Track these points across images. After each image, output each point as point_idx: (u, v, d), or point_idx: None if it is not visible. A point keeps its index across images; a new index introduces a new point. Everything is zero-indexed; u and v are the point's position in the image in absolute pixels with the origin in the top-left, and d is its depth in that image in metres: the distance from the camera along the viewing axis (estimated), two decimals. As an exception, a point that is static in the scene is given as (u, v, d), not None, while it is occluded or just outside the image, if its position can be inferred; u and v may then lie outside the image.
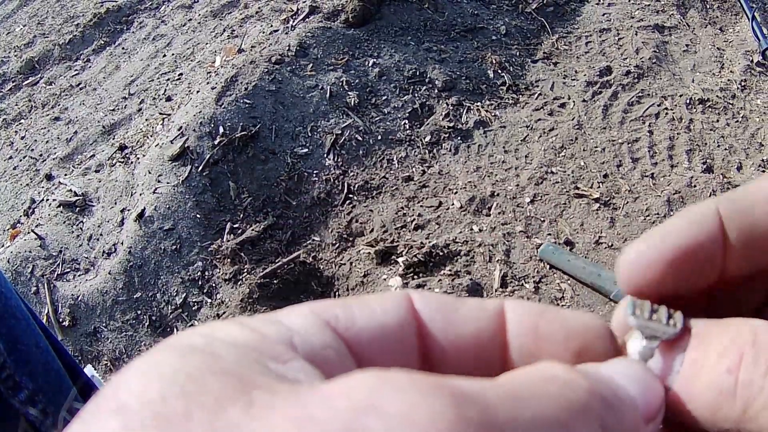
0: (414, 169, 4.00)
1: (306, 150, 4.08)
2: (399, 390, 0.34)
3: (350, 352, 0.46)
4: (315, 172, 4.00)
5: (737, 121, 4.25)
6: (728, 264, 0.53)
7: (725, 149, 4.05)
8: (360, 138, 4.13)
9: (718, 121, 4.24)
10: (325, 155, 4.06)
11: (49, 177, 4.73)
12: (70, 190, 4.39)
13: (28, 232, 4.12)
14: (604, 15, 5.19)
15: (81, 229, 4.13)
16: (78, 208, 4.25)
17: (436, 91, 4.41)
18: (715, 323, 0.51)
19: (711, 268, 0.53)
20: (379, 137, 4.14)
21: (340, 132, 4.14)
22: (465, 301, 0.52)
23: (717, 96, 4.39)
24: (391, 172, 3.99)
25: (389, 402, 0.33)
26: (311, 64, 4.50)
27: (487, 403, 0.36)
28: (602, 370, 0.48)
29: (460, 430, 0.33)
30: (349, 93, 4.34)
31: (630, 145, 4.06)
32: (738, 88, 4.50)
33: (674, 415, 0.50)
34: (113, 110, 5.23)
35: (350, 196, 3.89)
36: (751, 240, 0.52)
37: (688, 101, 4.33)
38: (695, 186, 3.77)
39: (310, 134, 4.14)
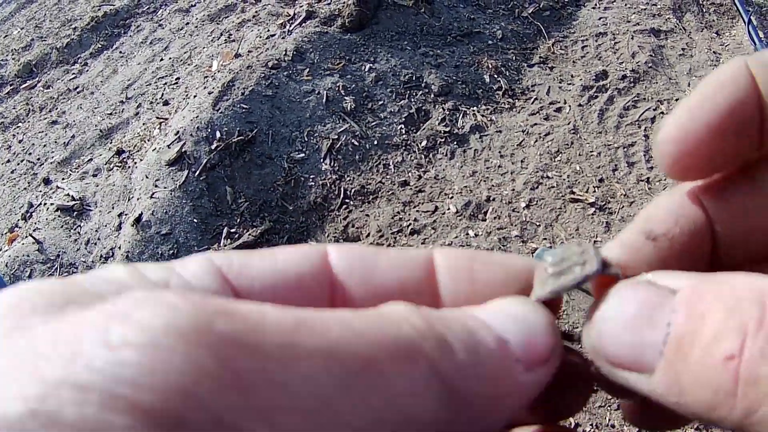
0: (410, 173, 4.01)
1: (302, 155, 4.09)
2: (158, 303, 0.34)
3: (238, 298, 0.46)
4: (311, 176, 4.01)
5: (733, 125, 4.26)
6: (766, 132, 0.49)
7: (721, 153, 4.05)
8: (356, 143, 4.14)
9: (713, 125, 4.24)
10: (322, 160, 4.07)
11: (46, 181, 4.74)
12: (68, 195, 4.39)
13: (26, 236, 4.13)
14: (600, 19, 5.19)
15: (79, 233, 4.14)
16: (76, 213, 4.26)
17: (432, 95, 4.42)
18: (709, 281, 0.43)
19: (750, 136, 0.48)
20: (376, 142, 4.15)
21: (336, 137, 4.15)
22: (388, 252, 0.51)
23: (713, 100, 4.40)
24: (388, 176, 4.00)
25: (141, 312, 0.33)
26: (308, 69, 4.51)
27: (252, 322, 0.35)
28: (471, 311, 0.46)
29: (196, 340, 0.33)
30: (346, 98, 4.34)
31: (625, 149, 4.06)
32: (734, 91, 4.51)
33: (660, 404, 0.44)
34: (111, 114, 5.24)
35: (346, 200, 3.90)
36: None
37: (684, 105, 4.34)
38: (691, 190, 3.77)
39: (306, 139, 4.15)
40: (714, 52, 4.90)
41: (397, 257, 0.51)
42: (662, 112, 4.29)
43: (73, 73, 6.06)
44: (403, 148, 4.14)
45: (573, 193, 3.82)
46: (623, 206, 3.73)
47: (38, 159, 5.08)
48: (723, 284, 0.42)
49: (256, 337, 0.34)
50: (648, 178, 3.88)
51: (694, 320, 0.41)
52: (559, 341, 0.47)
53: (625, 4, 5.36)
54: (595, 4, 5.42)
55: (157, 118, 4.74)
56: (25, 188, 4.80)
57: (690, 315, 0.42)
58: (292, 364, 0.34)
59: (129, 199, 4.16)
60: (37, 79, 6.20)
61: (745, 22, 4.76)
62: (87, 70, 6.05)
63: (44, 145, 5.21)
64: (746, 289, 0.40)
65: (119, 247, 3.89)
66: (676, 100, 4.37)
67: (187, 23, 6.13)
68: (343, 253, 0.50)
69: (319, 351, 0.35)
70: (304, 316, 0.37)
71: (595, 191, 3.83)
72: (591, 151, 4.06)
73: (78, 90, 5.79)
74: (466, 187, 3.89)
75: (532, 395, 0.45)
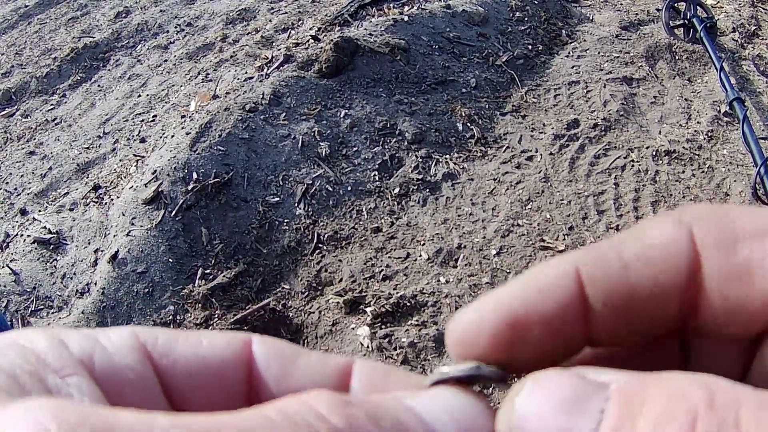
0: (383, 220, 4.04)
1: (277, 199, 4.12)
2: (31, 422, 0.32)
3: (160, 379, 0.45)
4: (285, 220, 4.04)
5: (703, 172, 4.29)
6: (595, 331, 0.45)
7: (690, 200, 4.08)
8: (330, 188, 4.17)
9: (684, 172, 4.28)
10: (296, 204, 4.10)
11: (23, 212, 4.74)
12: (45, 227, 4.40)
13: (3, 267, 4.13)
14: (573, 67, 5.24)
15: (55, 266, 4.15)
16: (52, 246, 4.27)
17: (405, 143, 4.45)
18: (644, 375, 0.39)
19: (567, 337, 0.45)
20: (349, 188, 4.18)
21: (311, 182, 4.18)
22: (309, 354, 0.49)
23: (683, 147, 4.43)
24: (361, 222, 4.03)
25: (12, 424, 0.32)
26: (284, 114, 4.54)
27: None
28: (404, 400, 0.42)
29: None
30: (321, 143, 4.38)
31: (596, 197, 4.10)
32: (704, 138, 4.55)
33: None
34: (88, 148, 5.25)
35: (320, 245, 3.93)
36: (622, 305, 0.44)
37: (654, 153, 4.37)
38: (659, 238, 3.78)
39: (281, 183, 4.18)
40: (686, 99, 4.95)
41: (317, 360, 0.48)
42: (632, 160, 4.33)
43: (52, 104, 6.06)
44: (377, 194, 4.17)
45: (543, 240, 3.86)
46: (592, 254, 3.77)
47: (15, 189, 5.07)
48: (660, 377, 0.39)
49: None
50: (618, 226, 3.92)
51: (632, 407, 0.38)
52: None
53: (599, 53, 5.40)
54: (569, 53, 5.47)
55: (134, 155, 4.76)
56: (1, 217, 4.80)
57: (627, 402, 0.38)
58: None
59: (105, 236, 4.17)
60: (15, 107, 6.19)
61: (717, 69, 4.80)
62: (65, 102, 6.05)
63: (21, 176, 5.21)
64: (687, 380, 0.38)
65: (95, 283, 3.90)
66: (647, 148, 4.42)
67: (166, 60, 6.16)
68: (265, 347, 0.48)
69: None
70: (196, 427, 0.35)
71: (565, 239, 3.86)
72: (561, 200, 4.09)
73: (56, 121, 5.78)
74: (437, 234, 3.93)
75: None
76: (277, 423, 0.36)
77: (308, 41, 5.33)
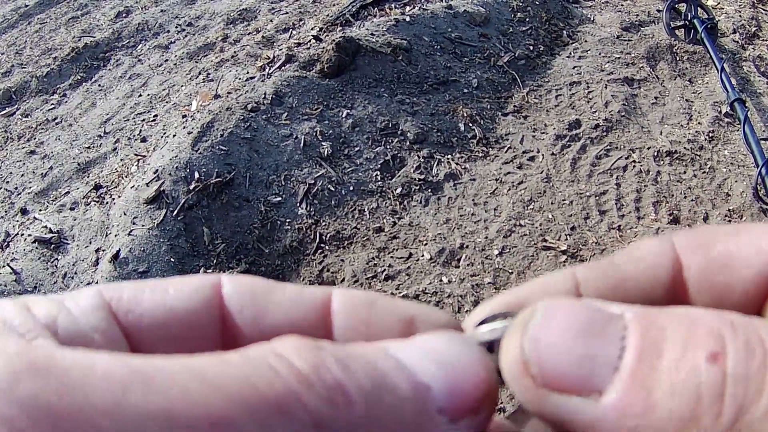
0: (385, 220, 4.03)
1: (279, 198, 4.12)
2: None
3: (126, 335, 0.44)
4: (288, 220, 4.03)
5: (704, 172, 4.29)
6: None
7: (692, 200, 4.08)
8: (332, 188, 4.16)
9: (685, 172, 4.27)
10: (298, 204, 4.09)
11: (24, 211, 4.72)
12: (46, 227, 4.39)
13: (3, 266, 4.12)
14: (574, 68, 5.24)
15: (56, 266, 4.13)
16: (53, 245, 4.26)
17: (407, 143, 4.45)
18: (655, 309, 0.41)
19: None
20: (351, 188, 4.18)
21: (313, 182, 4.17)
22: (284, 288, 0.48)
23: (684, 148, 4.43)
24: (363, 222, 4.02)
25: None
26: (286, 113, 4.53)
27: (72, 379, 0.32)
28: (387, 348, 0.41)
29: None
30: (323, 143, 4.37)
31: (597, 197, 4.10)
32: (705, 139, 4.54)
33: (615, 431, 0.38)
34: (88, 148, 5.24)
35: (322, 245, 3.92)
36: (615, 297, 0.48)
37: (655, 153, 4.37)
38: (661, 238, 3.78)
39: (283, 183, 4.18)
40: (687, 99, 4.95)
41: (293, 294, 0.48)
42: (634, 161, 4.33)
43: (52, 104, 6.05)
44: (379, 194, 4.17)
45: (545, 240, 3.86)
46: (595, 254, 3.76)
47: (15, 188, 5.06)
48: (673, 310, 0.40)
49: (73, 400, 0.31)
50: (619, 226, 3.92)
51: (654, 334, 0.38)
52: (496, 386, 0.42)
53: (599, 53, 5.40)
54: (570, 53, 5.47)
55: (135, 155, 4.75)
56: (2, 217, 4.78)
57: (648, 330, 0.39)
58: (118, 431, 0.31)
59: (106, 235, 4.16)
60: (16, 106, 6.17)
61: (718, 70, 4.79)
62: (66, 101, 6.04)
63: (22, 175, 5.19)
64: (701, 311, 0.39)
65: (96, 283, 3.88)
66: (648, 148, 4.41)
67: (166, 60, 6.15)
68: (236, 287, 0.47)
69: (154, 413, 0.32)
70: (142, 368, 0.34)
71: (567, 239, 3.86)
72: (563, 200, 4.09)
73: (56, 121, 5.77)
74: (440, 234, 3.92)
75: None
76: (237, 366, 0.35)
77: (310, 41, 5.33)
